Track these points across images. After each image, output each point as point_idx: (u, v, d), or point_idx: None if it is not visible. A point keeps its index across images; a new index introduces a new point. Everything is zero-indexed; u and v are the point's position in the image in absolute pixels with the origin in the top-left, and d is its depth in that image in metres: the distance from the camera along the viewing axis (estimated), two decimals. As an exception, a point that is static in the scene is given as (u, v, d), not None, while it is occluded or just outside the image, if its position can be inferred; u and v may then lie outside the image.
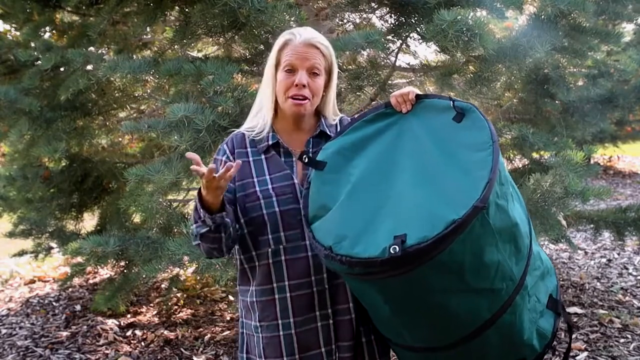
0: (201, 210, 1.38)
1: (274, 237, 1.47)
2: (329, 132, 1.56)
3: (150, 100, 3.78)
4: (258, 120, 1.55)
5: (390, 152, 1.40)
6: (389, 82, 3.18)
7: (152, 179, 2.51)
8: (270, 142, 1.52)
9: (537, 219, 2.70)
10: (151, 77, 2.96)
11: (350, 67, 3.20)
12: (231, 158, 1.53)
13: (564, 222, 3.01)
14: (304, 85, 1.46)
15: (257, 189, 1.49)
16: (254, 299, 1.51)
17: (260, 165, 1.52)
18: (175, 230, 2.98)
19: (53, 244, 3.97)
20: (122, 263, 3.38)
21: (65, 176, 3.55)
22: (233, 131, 1.62)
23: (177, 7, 3.03)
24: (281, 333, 1.48)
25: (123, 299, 3.49)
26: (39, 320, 3.81)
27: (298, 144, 1.55)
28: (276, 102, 1.53)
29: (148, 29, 3.67)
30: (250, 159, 1.53)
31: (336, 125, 1.60)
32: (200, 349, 3.27)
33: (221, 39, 3.07)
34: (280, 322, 1.48)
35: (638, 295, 3.83)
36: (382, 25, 3.35)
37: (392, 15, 3.11)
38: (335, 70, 1.55)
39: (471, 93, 3.05)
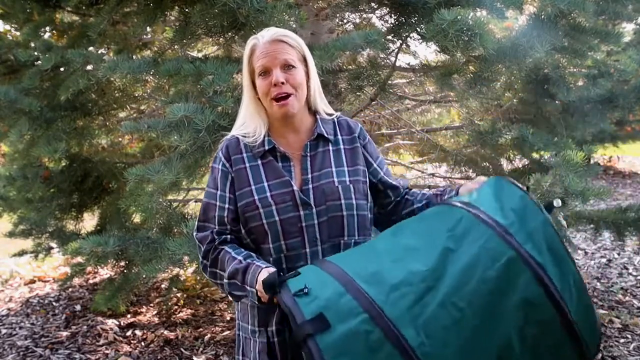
0: (253, 291, 1.36)
1: (274, 247, 1.46)
2: (326, 135, 1.54)
3: (150, 100, 3.78)
4: (252, 127, 1.53)
5: None
6: (389, 82, 3.18)
7: (152, 179, 2.50)
8: (266, 147, 1.50)
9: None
10: (151, 77, 2.97)
11: (350, 67, 3.20)
12: (227, 166, 1.51)
13: (564, 222, 3.00)
14: (282, 83, 1.44)
15: (256, 197, 1.46)
16: (255, 304, 1.51)
17: (257, 171, 1.49)
18: (175, 230, 2.98)
19: (53, 244, 3.97)
20: (122, 263, 3.38)
21: (65, 176, 3.55)
22: (227, 134, 1.60)
23: (177, 7, 3.03)
24: (276, 339, 1.48)
25: (123, 299, 3.49)
26: (39, 320, 3.81)
27: (295, 147, 1.53)
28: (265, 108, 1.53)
29: (148, 29, 3.68)
30: (247, 164, 1.50)
31: (334, 126, 1.57)
32: (200, 349, 3.27)
33: (221, 39, 3.07)
34: (274, 328, 1.48)
35: (638, 295, 3.83)
36: (382, 25, 3.36)
37: (392, 15, 3.11)
38: (310, 58, 1.53)
39: (471, 93, 3.05)
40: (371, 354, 1.09)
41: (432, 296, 1.13)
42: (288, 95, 1.46)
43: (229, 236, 1.50)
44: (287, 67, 1.46)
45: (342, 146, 1.56)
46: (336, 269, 1.22)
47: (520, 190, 1.26)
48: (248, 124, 1.54)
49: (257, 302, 1.37)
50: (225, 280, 1.44)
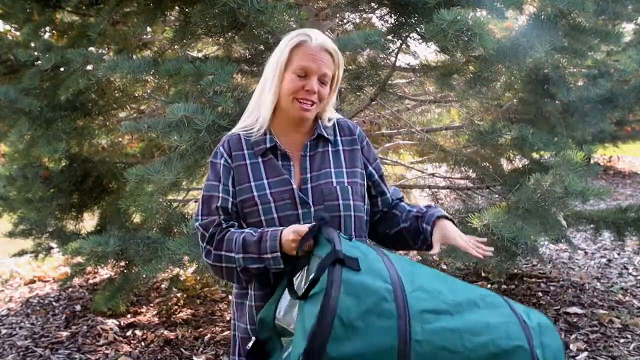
0: (276, 255, 1.37)
1: None
2: (326, 135, 1.55)
3: (150, 100, 3.79)
4: (254, 119, 1.53)
5: None
6: (389, 82, 3.18)
7: (152, 179, 2.51)
8: (268, 145, 1.51)
9: (537, 218, 2.70)
10: (151, 77, 2.96)
11: (350, 67, 3.20)
12: (229, 161, 1.51)
13: (564, 222, 3.01)
14: (314, 93, 1.45)
15: (255, 193, 1.47)
16: (252, 304, 1.50)
17: (257, 168, 1.50)
18: (175, 230, 2.98)
19: (53, 244, 3.97)
20: (122, 263, 3.38)
21: (65, 176, 3.55)
22: (228, 132, 1.60)
23: (177, 7, 3.03)
24: None
25: (123, 299, 3.49)
26: (39, 320, 3.81)
27: (295, 146, 1.54)
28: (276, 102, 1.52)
29: (148, 29, 3.68)
30: (247, 161, 1.50)
31: (334, 128, 1.59)
32: (200, 349, 3.27)
33: (221, 39, 3.07)
34: None
35: (638, 295, 3.83)
36: (382, 25, 3.36)
37: (392, 15, 3.11)
38: (340, 75, 1.54)
39: (471, 93, 3.05)
40: (374, 316, 1.13)
41: (447, 320, 1.18)
42: (312, 104, 1.47)
43: (235, 223, 1.49)
44: (323, 81, 1.48)
45: (341, 147, 1.57)
46: (377, 249, 1.31)
47: (546, 317, 1.35)
48: (255, 115, 1.53)
49: (281, 266, 1.38)
50: (240, 256, 1.42)
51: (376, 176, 1.62)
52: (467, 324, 1.18)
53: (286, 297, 1.35)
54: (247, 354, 1.36)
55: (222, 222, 1.47)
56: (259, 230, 1.42)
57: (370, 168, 1.61)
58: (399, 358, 1.11)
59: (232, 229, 1.46)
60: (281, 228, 1.39)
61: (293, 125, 1.54)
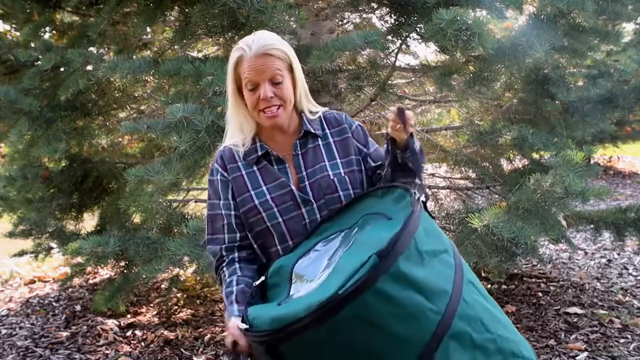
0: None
1: (282, 247, 1.48)
2: (313, 130, 1.55)
3: (150, 101, 3.79)
4: (240, 137, 1.53)
5: None
6: (389, 82, 3.18)
7: (152, 179, 2.51)
8: (260, 153, 1.52)
9: (537, 219, 2.70)
10: (151, 77, 2.97)
11: (350, 67, 3.20)
12: (225, 175, 1.53)
13: (564, 223, 3.01)
14: (271, 97, 1.44)
15: (256, 202, 1.49)
16: None
17: (254, 177, 1.51)
18: (175, 230, 2.99)
19: (53, 244, 3.97)
20: (122, 263, 3.38)
21: (65, 176, 3.56)
22: (219, 146, 1.60)
23: (177, 7, 3.04)
24: None
25: (123, 299, 3.49)
26: (39, 321, 3.81)
27: (286, 148, 1.54)
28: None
29: (148, 29, 3.68)
30: (243, 172, 1.52)
31: (320, 122, 1.58)
32: (200, 349, 3.27)
33: (221, 39, 3.08)
34: None
35: (638, 295, 3.83)
36: (382, 25, 3.36)
37: (392, 15, 3.11)
38: (297, 63, 1.51)
39: (471, 93, 3.05)
40: (437, 260, 1.20)
41: (486, 303, 1.28)
42: (277, 107, 1.46)
43: (236, 254, 1.51)
44: (275, 81, 1.45)
45: (331, 139, 1.57)
46: None
47: None
48: (235, 135, 1.54)
49: None
50: (225, 302, 1.47)
51: (371, 162, 1.59)
52: (503, 318, 1.27)
53: (314, 252, 1.38)
54: (254, 288, 1.36)
55: (223, 254, 1.51)
56: (230, 295, 1.42)
57: (366, 151, 1.59)
58: (450, 303, 1.17)
59: (227, 271, 1.49)
60: (236, 310, 1.37)
61: (276, 130, 1.54)
